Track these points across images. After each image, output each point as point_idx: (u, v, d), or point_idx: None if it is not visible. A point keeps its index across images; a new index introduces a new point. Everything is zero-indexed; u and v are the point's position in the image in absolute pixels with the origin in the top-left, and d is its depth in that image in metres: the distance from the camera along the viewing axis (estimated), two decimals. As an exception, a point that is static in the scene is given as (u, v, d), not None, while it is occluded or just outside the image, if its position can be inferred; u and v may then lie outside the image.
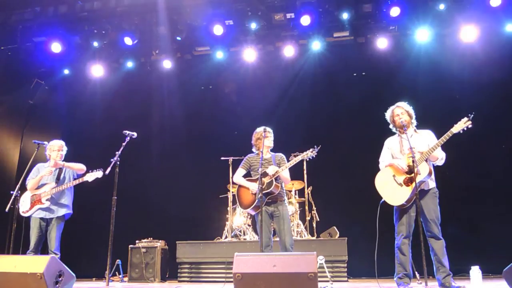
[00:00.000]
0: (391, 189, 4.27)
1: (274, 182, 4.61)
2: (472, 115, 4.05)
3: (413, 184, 4.07)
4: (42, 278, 3.55)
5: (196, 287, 5.80)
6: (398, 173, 4.27)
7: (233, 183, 5.21)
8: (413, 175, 4.09)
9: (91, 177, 5.17)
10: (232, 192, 7.03)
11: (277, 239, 4.69)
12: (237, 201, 4.90)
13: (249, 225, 6.98)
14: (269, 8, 7.22)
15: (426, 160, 4.13)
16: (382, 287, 4.47)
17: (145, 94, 8.59)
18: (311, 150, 4.69)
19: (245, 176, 4.94)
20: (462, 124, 4.07)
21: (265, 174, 4.64)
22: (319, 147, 4.69)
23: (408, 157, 4.19)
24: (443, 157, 4.21)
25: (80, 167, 5.38)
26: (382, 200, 4.32)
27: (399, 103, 4.51)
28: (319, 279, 3.33)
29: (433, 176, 4.27)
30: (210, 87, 8.66)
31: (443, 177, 4.57)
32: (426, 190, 4.21)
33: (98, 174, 5.18)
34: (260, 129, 4.88)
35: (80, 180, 5.20)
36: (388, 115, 4.54)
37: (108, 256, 5.01)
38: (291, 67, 8.00)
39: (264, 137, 4.75)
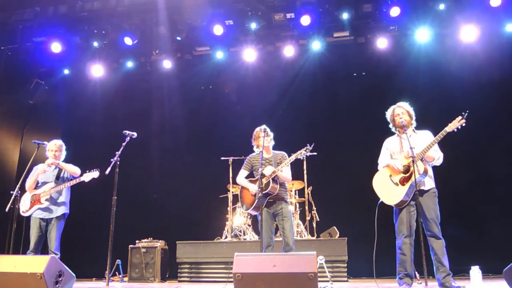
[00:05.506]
0: (387, 188, 4.28)
1: (271, 183, 4.61)
2: (466, 114, 4.04)
3: (409, 183, 4.08)
4: (42, 278, 3.55)
5: (196, 287, 5.80)
6: (395, 173, 4.28)
7: (236, 183, 5.22)
8: (408, 174, 4.10)
9: (87, 177, 5.17)
10: (232, 192, 7.04)
11: (279, 238, 4.70)
12: (240, 202, 4.94)
13: (249, 225, 6.99)
14: (269, 8, 7.21)
15: (421, 160, 4.13)
16: (381, 287, 4.46)
17: (145, 94, 8.58)
18: (305, 148, 4.67)
19: (248, 176, 4.95)
20: (456, 123, 4.07)
21: (263, 175, 4.64)
22: (312, 145, 4.67)
23: (405, 157, 4.19)
24: (440, 157, 4.21)
25: (74, 170, 5.33)
26: (380, 200, 4.33)
27: (400, 103, 4.50)
28: (319, 279, 3.33)
29: (432, 176, 4.27)
30: (210, 87, 8.65)
31: (443, 177, 4.57)
32: (425, 190, 4.21)
33: (95, 174, 5.19)
34: (259, 128, 4.87)
35: (77, 180, 5.20)
36: (388, 114, 4.53)
37: (108, 256, 5.02)
38: (291, 67, 7.99)
39: (264, 137, 4.73)
